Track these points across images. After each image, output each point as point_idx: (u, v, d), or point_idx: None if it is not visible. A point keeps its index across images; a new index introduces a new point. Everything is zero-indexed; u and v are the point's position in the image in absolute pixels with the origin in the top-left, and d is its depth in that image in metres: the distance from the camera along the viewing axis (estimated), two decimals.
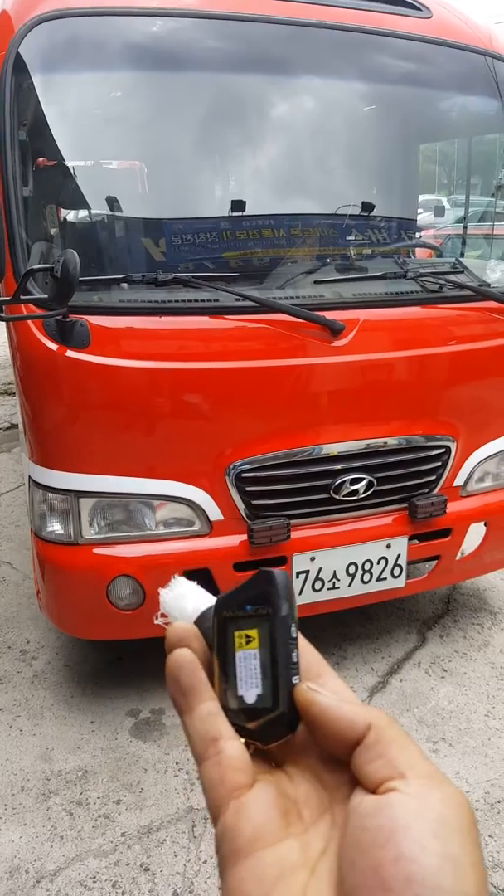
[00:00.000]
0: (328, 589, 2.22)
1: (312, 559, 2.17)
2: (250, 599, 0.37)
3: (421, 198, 3.10)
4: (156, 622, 0.40)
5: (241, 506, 2.08)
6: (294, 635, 0.37)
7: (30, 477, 2.09)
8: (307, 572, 2.18)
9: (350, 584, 2.24)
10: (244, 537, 2.10)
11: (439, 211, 3.25)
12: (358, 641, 2.69)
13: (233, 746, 0.35)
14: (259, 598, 0.37)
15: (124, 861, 1.78)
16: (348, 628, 2.76)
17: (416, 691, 2.42)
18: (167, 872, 1.75)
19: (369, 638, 2.72)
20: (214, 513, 2.07)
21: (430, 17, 2.25)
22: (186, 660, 0.37)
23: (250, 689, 0.36)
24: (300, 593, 2.19)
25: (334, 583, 2.22)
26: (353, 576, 2.24)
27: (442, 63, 2.27)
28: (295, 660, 0.36)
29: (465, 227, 2.95)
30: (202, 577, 2.03)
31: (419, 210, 3.02)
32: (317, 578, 2.20)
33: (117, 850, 1.81)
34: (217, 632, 0.38)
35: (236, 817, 0.33)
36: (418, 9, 2.23)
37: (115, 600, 2.05)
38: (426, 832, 0.29)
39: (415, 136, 2.90)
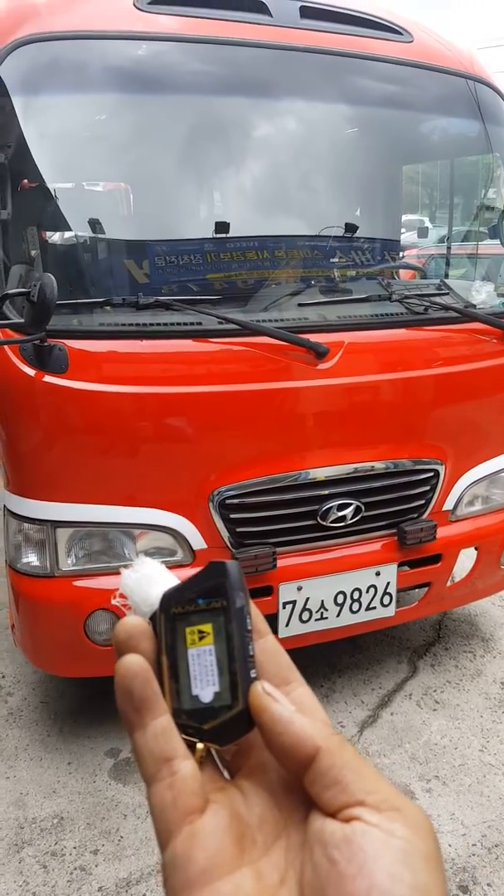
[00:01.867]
0: (316, 619, 2.15)
1: (299, 589, 2.10)
2: (202, 593, 0.35)
3: (404, 217, 3.10)
4: (113, 602, 0.36)
5: (225, 534, 2.01)
6: (250, 628, 0.35)
7: (5, 506, 2.00)
8: (294, 602, 2.11)
9: (339, 614, 2.17)
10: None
11: (423, 232, 3.25)
12: (347, 673, 2.61)
13: (187, 766, 0.33)
14: (212, 591, 0.35)
15: None
16: (337, 659, 2.67)
17: (407, 725, 2.33)
18: None
19: (359, 669, 2.64)
20: (197, 542, 2.00)
21: (411, 42, 2.25)
22: (139, 668, 0.34)
23: (206, 687, 0.34)
24: (287, 625, 2.11)
25: (322, 613, 2.15)
26: (341, 605, 2.16)
27: (424, 86, 2.27)
28: (252, 653, 0.35)
29: (448, 248, 2.94)
30: None
31: (402, 230, 3.02)
32: (304, 609, 2.12)
33: None
34: (165, 629, 0.35)
35: (189, 845, 0.31)
36: (400, 33, 2.24)
37: (92, 635, 1.96)
38: (395, 861, 0.29)
39: (398, 157, 2.91)
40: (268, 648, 0.36)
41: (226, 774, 0.36)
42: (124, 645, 0.35)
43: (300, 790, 0.33)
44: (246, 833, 0.32)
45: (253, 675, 0.34)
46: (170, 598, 0.35)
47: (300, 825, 0.32)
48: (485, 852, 1.85)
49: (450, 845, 1.87)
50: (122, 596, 0.37)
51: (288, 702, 0.34)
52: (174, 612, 0.35)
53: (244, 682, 0.34)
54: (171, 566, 2.00)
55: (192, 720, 0.34)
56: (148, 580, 0.36)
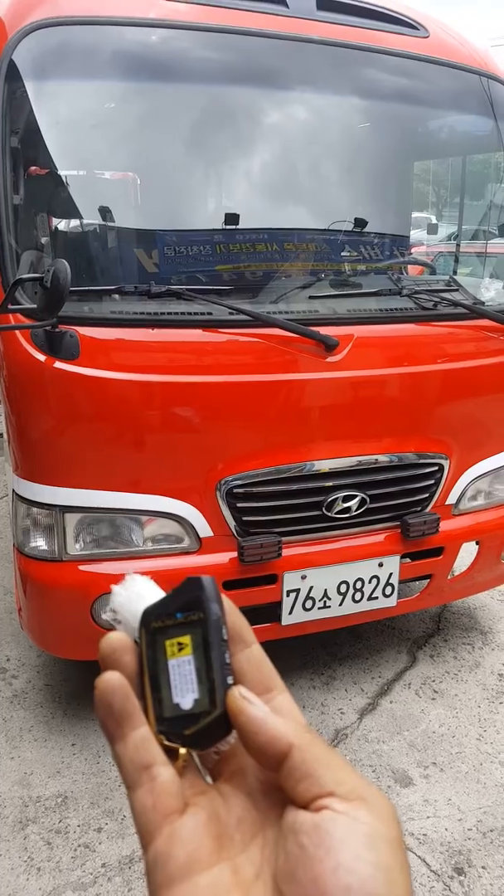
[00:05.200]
0: (319, 608, 2.18)
1: (304, 577, 2.13)
2: (180, 607, 0.37)
3: (413, 215, 3.10)
4: (104, 617, 0.39)
5: (231, 522, 2.04)
6: (225, 637, 0.37)
7: (13, 490, 2.03)
8: (298, 591, 2.14)
9: (341, 604, 2.20)
10: (234, 555, 2.05)
11: (432, 228, 3.26)
12: (347, 661, 2.64)
13: (166, 772, 0.35)
14: (189, 605, 0.37)
15: (104, 894, 1.70)
16: (338, 648, 2.71)
17: (406, 714, 2.37)
18: None
19: (359, 658, 2.67)
20: (204, 529, 2.03)
21: (427, 37, 2.26)
22: (118, 684, 0.36)
23: (186, 694, 0.36)
24: (290, 612, 2.15)
25: (325, 602, 2.18)
26: (344, 595, 2.19)
27: (438, 82, 2.27)
28: (228, 661, 0.36)
29: (458, 245, 2.95)
30: None
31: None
32: (308, 597, 2.15)
33: (97, 883, 1.74)
34: (146, 643, 0.37)
35: (169, 843, 0.33)
36: (416, 28, 2.24)
37: (99, 619, 1.99)
38: (359, 844, 0.31)
39: (410, 153, 2.91)
40: (253, 658, 0.38)
41: (209, 780, 0.38)
42: (108, 659, 0.37)
43: (277, 792, 0.34)
44: (224, 832, 0.34)
45: (230, 682, 0.36)
46: (150, 613, 0.38)
47: (276, 823, 0.34)
48: (480, 836, 1.89)
49: (446, 829, 1.91)
50: (112, 611, 0.39)
51: (263, 704, 0.36)
52: (154, 627, 0.37)
53: (222, 687, 0.36)
54: (178, 553, 2.03)
55: (174, 727, 0.36)
56: (137, 597, 0.39)
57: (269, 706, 0.36)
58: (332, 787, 0.33)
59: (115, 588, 0.39)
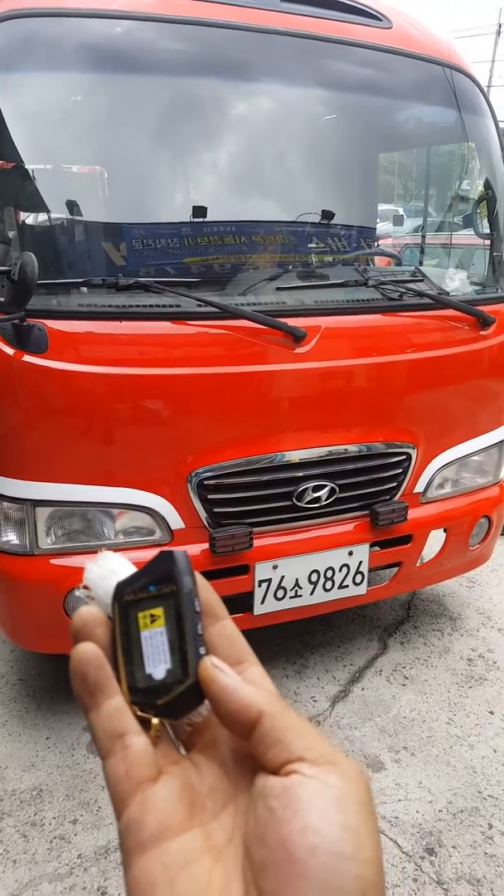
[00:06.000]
0: (290, 597, 2.21)
1: (275, 567, 2.15)
2: (153, 580, 0.38)
3: (379, 207, 3.13)
4: (76, 593, 0.38)
5: (202, 514, 2.05)
6: (198, 609, 0.37)
7: None
8: (269, 581, 2.16)
9: (312, 593, 2.23)
10: (206, 546, 2.07)
11: (398, 220, 3.29)
12: (319, 650, 2.68)
13: (139, 741, 0.35)
14: (162, 578, 0.37)
15: (81, 885, 1.72)
16: (310, 636, 2.74)
17: (377, 700, 2.41)
18: None
19: (331, 646, 2.71)
20: (175, 521, 2.04)
21: (390, 28, 2.27)
22: (92, 655, 0.36)
23: (159, 665, 0.36)
24: (262, 602, 2.17)
25: (297, 591, 2.21)
26: (315, 584, 2.22)
27: (402, 73, 2.29)
28: (201, 632, 0.37)
29: (423, 237, 2.99)
30: None
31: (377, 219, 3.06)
32: (279, 587, 2.18)
33: (73, 874, 1.75)
34: (119, 616, 0.38)
35: (141, 810, 0.33)
36: (379, 19, 2.26)
37: (71, 612, 1.99)
38: (328, 805, 0.31)
39: (374, 145, 2.94)
40: (224, 632, 0.39)
41: (182, 751, 0.39)
42: (80, 633, 0.38)
43: (248, 762, 0.35)
44: (196, 800, 0.35)
45: (202, 652, 0.37)
46: (122, 587, 0.38)
47: (247, 792, 0.35)
48: (450, 817, 1.94)
49: (417, 811, 1.96)
50: (85, 587, 0.39)
51: (234, 673, 0.36)
52: (127, 600, 0.38)
53: (194, 658, 0.36)
54: (150, 545, 2.04)
55: (147, 697, 0.36)
56: (110, 573, 0.39)
57: (240, 677, 0.36)
58: (302, 752, 0.33)
59: (88, 565, 0.39)
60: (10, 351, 1.79)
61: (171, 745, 0.38)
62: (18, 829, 1.87)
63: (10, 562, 1.99)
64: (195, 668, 0.36)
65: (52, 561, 1.98)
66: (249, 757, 0.35)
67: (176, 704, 0.36)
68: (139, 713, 0.36)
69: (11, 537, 1.97)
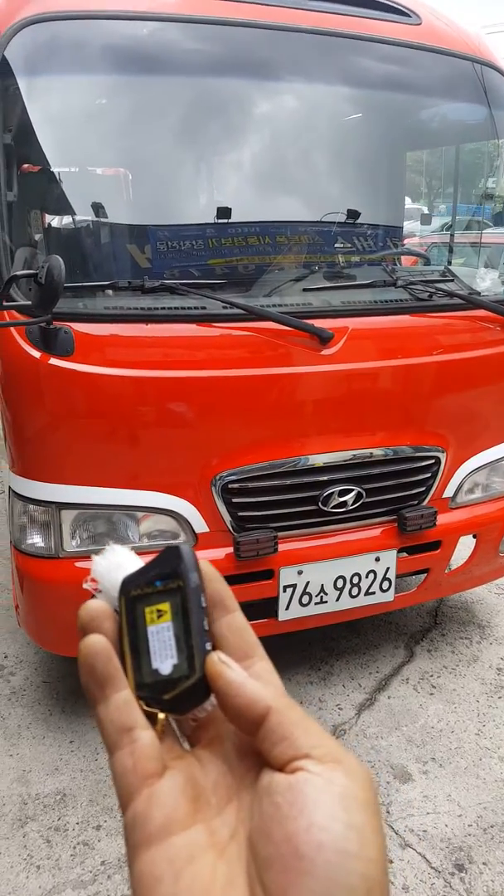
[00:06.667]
0: (315, 603, 2.17)
1: (300, 573, 2.12)
2: (159, 576, 0.38)
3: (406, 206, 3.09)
4: (84, 586, 0.39)
5: (227, 518, 2.03)
6: (204, 604, 0.37)
7: (10, 488, 2.02)
8: (294, 586, 2.13)
9: (338, 599, 2.19)
10: (230, 550, 2.04)
11: (426, 219, 3.24)
12: (345, 656, 2.64)
13: (146, 735, 0.35)
14: (168, 574, 0.37)
15: (104, 893, 1.70)
16: (335, 643, 2.70)
17: (404, 709, 2.37)
18: None
19: (356, 653, 2.67)
20: (200, 525, 2.02)
21: (419, 24, 2.23)
22: (101, 647, 0.36)
23: (165, 660, 0.36)
24: (287, 608, 2.14)
25: (322, 597, 2.17)
26: (341, 590, 2.19)
27: (431, 70, 2.25)
28: (207, 628, 0.37)
29: (452, 235, 2.94)
30: None
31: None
32: (304, 592, 2.14)
33: (97, 881, 1.73)
34: (126, 611, 0.38)
35: (147, 805, 0.33)
36: (408, 15, 2.22)
37: None
38: (333, 804, 0.31)
39: (403, 143, 2.89)
40: (234, 624, 0.38)
41: (186, 746, 0.38)
42: (87, 626, 0.37)
43: (252, 759, 0.35)
44: (201, 795, 0.35)
45: (209, 647, 0.36)
46: (129, 582, 0.38)
47: (251, 788, 0.35)
48: (480, 832, 1.89)
49: (446, 825, 1.91)
50: (93, 581, 0.39)
51: (241, 668, 0.36)
52: (133, 595, 0.38)
53: (200, 653, 0.36)
54: None
55: (153, 692, 0.36)
56: (117, 566, 0.39)
57: (248, 672, 0.36)
58: (308, 749, 0.33)
59: (96, 558, 0.39)
60: (36, 354, 1.79)
61: (176, 741, 0.38)
62: (42, 834, 1.86)
63: (35, 564, 1.99)
64: (202, 663, 0.36)
65: (77, 564, 1.97)
66: (253, 753, 0.35)
67: (182, 699, 0.36)
68: (145, 708, 0.36)
69: (37, 540, 1.97)
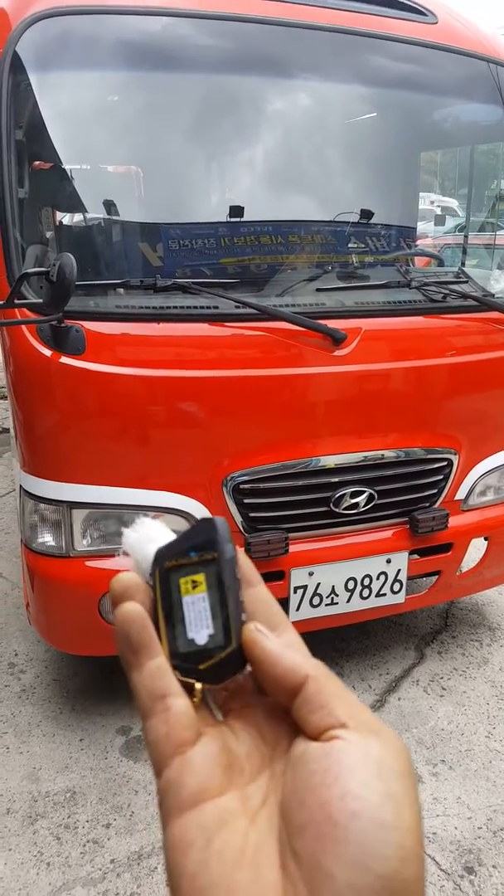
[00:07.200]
0: (326, 605, 2.17)
1: (311, 574, 2.12)
2: (194, 547, 0.38)
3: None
4: (117, 558, 0.39)
5: (238, 518, 2.03)
6: (238, 576, 0.38)
7: (21, 486, 2.02)
8: (305, 587, 2.12)
9: (349, 600, 2.18)
10: (241, 551, 2.03)
11: (440, 220, 3.22)
12: (355, 658, 2.63)
13: (180, 703, 0.35)
14: (203, 545, 0.38)
15: (113, 890, 1.70)
16: (345, 644, 2.70)
17: (414, 711, 2.36)
18: None
19: (366, 654, 2.66)
20: None
21: (435, 23, 2.22)
22: (136, 614, 0.36)
23: (201, 630, 0.37)
24: (297, 609, 2.13)
25: (333, 598, 2.17)
26: (352, 591, 2.18)
27: (447, 69, 2.24)
28: (242, 599, 0.37)
29: (465, 237, 2.92)
30: None
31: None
32: (315, 594, 2.14)
33: (106, 879, 1.74)
34: (160, 581, 0.38)
35: (181, 771, 0.34)
36: (424, 14, 2.20)
37: (107, 615, 1.98)
38: (369, 773, 0.31)
39: (417, 143, 2.87)
40: (259, 597, 0.39)
41: (219, 716, 0.38)
42: (120, 597, 0.37)
43: (284, 727, 0.36)
44: (234, 763, 0.35)
45: (244, 618, 0.37)
46: (163, 553, 0.38)
47: (284, 757, 0.35)
48: (490, 835, 1.88)
49: (456, 828, 1.90)
50: (125, 554, 0.39)
51: (277, 638, 0.37)
52: (168, 566, 0.38)
53: (236, 624, 0.36)
54: None
55: (189, 662, 0.36)
56: (147, 539, 0.39)
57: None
58: (345, 719, 0.33)
59: (126, 531, 0.40)
60: (47, 352, 1.79)
61: (209, 711, 0.38)
62: (52, 832, 1.87)
63: (46, 563, 2.00)
64: (238, 633, 0.36)
65: (88, 563, 1.97)
66: (285, 722, 0.36)
67: (218, 669, 0.36)
68: (181, 678, 0.36)
69: (48, 539, 1.97)
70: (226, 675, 0.37)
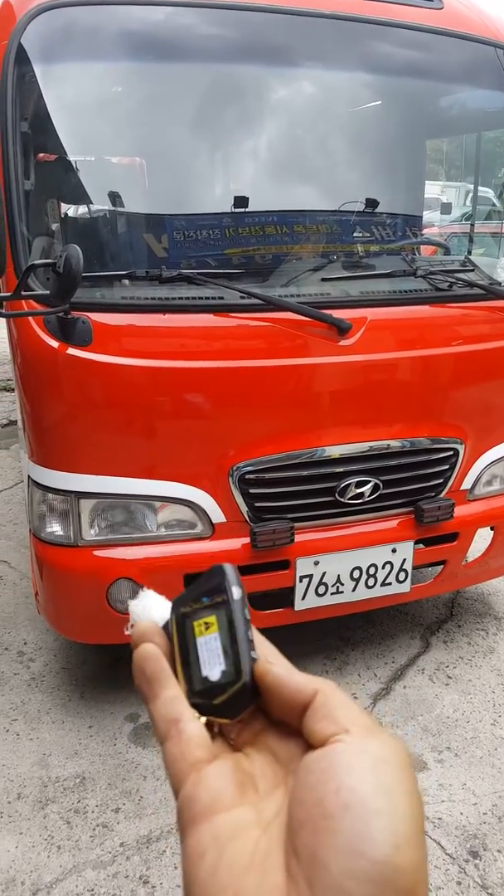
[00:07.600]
0: (332, 594, 2.18)
1: (316, 563, 2.13)
2: (205, 593, 0.41)
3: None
4: (126, 632, 0.43)
5: (244, 508, 2.04)
6: (248, 616, 0.40)
7: (29, 476, 2.04)
8: (311, 576, 2.14)
9: (354, 589, 2.20)
10: (247, 540, 2.05)
11: (446, 208, 3.20)
12: (360, 646, 2.65)
13: (193, 726, 0.38)
14: (213, 590, 0.41)
15: (123, 873, 1.73)
16: (351, 633, 2.71)
17: (420, 699, 2.37)
18: (167, 885, 1.71)
19: (372, 643, 2.67)
20: (217, 515, 2.03)
21: (441, 8, 2.20)
22: (151, 652, 0.40)
23: (214, 667, 0.39)
24: (303, 598, 2.15)
25: (338, 587, 2.18)
26: (357, 580, 2.19)
27: (453, 55, 2.22)
28: (251, 637, 0.40)
29: (472, 225, 2.90)
30: None
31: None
32: (320, 583, 2.15)
33: (116, 861, 1.77)
34: (176, 627, 0.41)
35: (195, 787, 0.35)
36: None
37: (115, 603, 2.00)
38: (363, 768, 0.32)
39: (423, 130, 2.85)
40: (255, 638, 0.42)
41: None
42: (139, 640, 0.41)
43: (297, 744, 0.37)
44: (247, 781, 0.37)
45: (254, 655, 0.39)
46: (179, 601, 0.42)
47: (295, 773, 0.36)
48: (495, 820, 1.90)
49: (461, 813, 1.92)
50: (131, 625, 0.44)
51: (285, 663, 0.40)
52: (183, 612, 0.41)
53: (246, 659, 0.39)
54: (191, 539, 2.04)
55: (205, 697, 0.39)
56: (150, 608, 0.44)
57: None
58: (348, 725, 0.35)
59: (131, 602, 0.44)
60: (54, 344, 1.80)
61: (226, 742, 0.40)
62: (62, 816, 1.90)
63: (54, 552, 2.02)
64: (249, 668, 0.39)
65: (96, 552, 1.99)
66: (298, 742, 0.37)
67: (232, 702, 0.39)
68: (199, 716, 0.39)
69: (56, 528, 1.99)
70: (240, 709, 0.39)
